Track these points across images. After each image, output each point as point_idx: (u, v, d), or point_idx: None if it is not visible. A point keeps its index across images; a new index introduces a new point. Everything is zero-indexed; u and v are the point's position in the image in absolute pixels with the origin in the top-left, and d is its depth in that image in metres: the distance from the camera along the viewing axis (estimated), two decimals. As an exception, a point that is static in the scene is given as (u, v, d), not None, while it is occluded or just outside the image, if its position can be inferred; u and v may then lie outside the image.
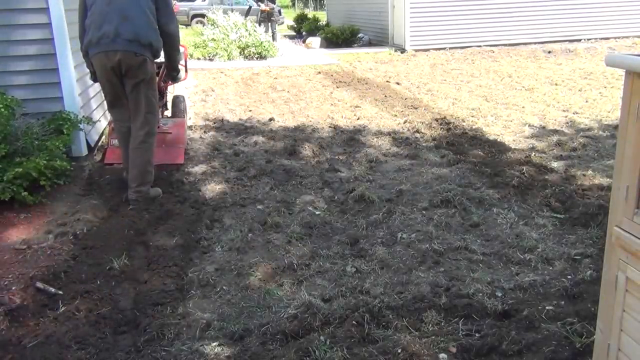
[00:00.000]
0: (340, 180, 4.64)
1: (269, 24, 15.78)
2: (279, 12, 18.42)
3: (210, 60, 12.96)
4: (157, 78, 4.49)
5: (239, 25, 13.95)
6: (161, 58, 4.38)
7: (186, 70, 4.75)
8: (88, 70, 5.30)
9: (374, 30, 15.78)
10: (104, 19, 3.87)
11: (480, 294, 2.81)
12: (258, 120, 6.81)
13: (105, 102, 5.89)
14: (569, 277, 2.98)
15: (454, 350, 2.38)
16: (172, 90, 5.96)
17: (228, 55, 13.08)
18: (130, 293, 2.94)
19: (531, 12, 13.80)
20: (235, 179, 4.70)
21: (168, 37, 4.14)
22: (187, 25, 21.88)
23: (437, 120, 6.54)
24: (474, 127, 6.23)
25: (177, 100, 5.77)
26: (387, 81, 9.68)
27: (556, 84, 8.86)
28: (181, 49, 4.64)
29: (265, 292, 2.94)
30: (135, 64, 3.94)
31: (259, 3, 16.60)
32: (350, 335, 2.48)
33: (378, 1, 15.03)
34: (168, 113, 5.70)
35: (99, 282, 2.99)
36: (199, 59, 12.90)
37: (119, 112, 4.23)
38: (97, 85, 5.68)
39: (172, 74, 4.55)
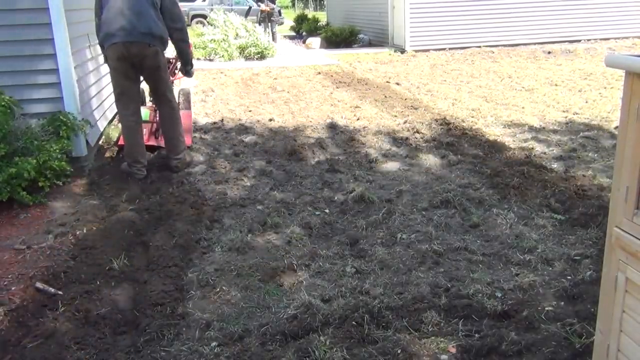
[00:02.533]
0: (340, 180, 4.64)
1: (269, 24, 15.78)
2: (279, 12, 18.43)
3: (210, 60, 12.97)
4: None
5: (239, 26, 13.95)
6: (170, 53, 4.86)
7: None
8: (88, 71, 5.33)
9: (374, 30, 15.79)
10: (120, 14, 4.33)
11: (480, 295, 2.81)
12: (258, 121, 6.81)
13: (105, 102, 5.96)
14: (569, 277, 2.98)
15: (453, 350, 2.38)
16: (178, 84, 6.16)
17: (228, 55, 13.08)
18: (130, 293, 2.94)
19: (531, 13, 13.81)
20: (235, 179, 4.69)
21: (177, 32, 4.64)
22: (187, 25, 21.86)
23: (437, 121, 6.54)
24: (473, 127, 6.23)
25: (184, 92, 6.17)
26: (387, 82, 9.69)
27: (556, 85, 8.86)
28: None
29: (265, 293, 2.94)
30: (150, 54, 4.44)
31: (259, 3, 16.62)
32: (350, 336, 2.48)
33: (378, 2, 15.03)
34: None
35: (98, 283, 2.99)
36: (198, 59, 12.90)
37: (126, 105, 4.61)
38: (98, 86, 5.72)
39: (186, 68, 4.98)
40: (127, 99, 4.60)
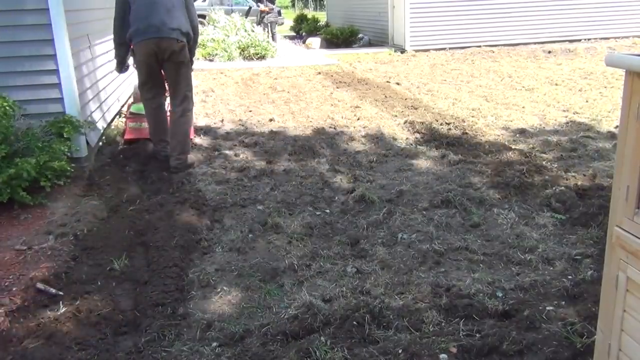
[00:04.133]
0: (341, 180, 4.64)
1: (269, 24, 15.78)
2: (279, 12, 18.41)
3: (210, 60, 12.96)
4: None
5: (239, 26, 13.94)
6: None
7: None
8: (88, 71, 5.33)
9: (374, 30, 15.78)
10: (151, 11, 4.55)
11: (481, 294, 2.81)
12: (258, 121, 6.81)
13: (105, 103, 5.96)
14: (570, 277, 2.98)
15: (454, 350, 2.37)
16: None
17: (228, 55, 13.07)
18: (131, 294, 2.94)
19: (531, 12, 13.81)
20: (236, 179, 4.70)
21: (192, 30, 4.87)
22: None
23: (437, 121, 6.54)
24: (474, 127, 6.23)
25: None
26: (387, 81, 9.69)
27: (556, 84, 8.86)
28: None
29: (265, 293, 2.94)
30: (177, 49, 4.67)
31: (259, 4, 16.60)
32: (351, 336, 2.48)
33: (378, 2, 15.03)
34: None
35: (99, 283, 3.00)
36: (198, 59, 12.87)
37: (150, 91, 4.91)
38: (97, 86, 5.72)
39: None
40: (150, 86, 4.89)
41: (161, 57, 4.66)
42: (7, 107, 4.06)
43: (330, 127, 6.40)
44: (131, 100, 6.29)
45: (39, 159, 3.85)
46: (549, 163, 4.93)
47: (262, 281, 3.06)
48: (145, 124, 5.57)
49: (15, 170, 3.66)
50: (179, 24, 4.63)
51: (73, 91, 4.62)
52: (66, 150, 4.27)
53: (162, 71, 4.89)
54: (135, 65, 4.93)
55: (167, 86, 5.22)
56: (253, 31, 13.82)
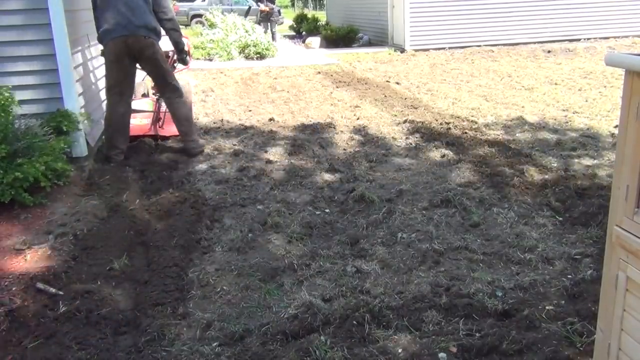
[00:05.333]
0: (340, 180, 4.64)
1: (269, 24, 15.78)
2: (279, 12, 18.40)
3: (210, 60, 12.96)
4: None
5: (238, 26, 13.95)
6: (168, 47, 5.24)
7: (190, 57, 5.65)
8: (88, 71, 5.35)
9: (374, 30, 15.78)
10: (115, 10, 4.67)
11: (481, 294, 2.81)
12: (258, 121, 6.81)
13: (105, 102, 5.96)
14: (569, 276, 2.98)
15: (454, 350, 2.38)
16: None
17: (227, 55, 13.07)
18: (131, 293, 2.94)
19: (530, 12, 13.81)
20: (235, 179, 4.70)
21: (168, 22, 5.00)
22: (187, 25, 21.92)
23: (436, 120, 6.54)
24: (473, 126, 6.23)
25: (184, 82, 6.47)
26: (386, 81, 9.69)
27: (556, 84, 8.86)
28: (185, 40, 5.37)
29: (265, 292, 2.94)
30: (146, 45, 4.80)
31: (259, 3, 16.60)
32: (351, 335, 2.48)
33: (378, 1, 15.03)
34: None
35: (99, 283, 3.00)
36: (198, 59, 12.88)
37: (117, 95, 4.89)
38: (97, 86, 5.72)
39: (181, 56, 5.34)
40: (118, 91, 4.90)
41: (133, 54, 4.80)
42: (6, 104, 4.05)
43: (330, 127, 6.40)
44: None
45: (42, 160, 3.84)
46: (548, 162, 4.93)
47: (262, 281, 3.06)
48: (146, 120, 5.63)
49: (23, 174, 3.67)
50: (144, 20, 4.76)
51: (73, 91, 4.62)
52: (66, 147, 4.27)
53: (133, 75, 5.03)
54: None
55: (146, 86, 5.38)
56: (254, 31, 13.82)
